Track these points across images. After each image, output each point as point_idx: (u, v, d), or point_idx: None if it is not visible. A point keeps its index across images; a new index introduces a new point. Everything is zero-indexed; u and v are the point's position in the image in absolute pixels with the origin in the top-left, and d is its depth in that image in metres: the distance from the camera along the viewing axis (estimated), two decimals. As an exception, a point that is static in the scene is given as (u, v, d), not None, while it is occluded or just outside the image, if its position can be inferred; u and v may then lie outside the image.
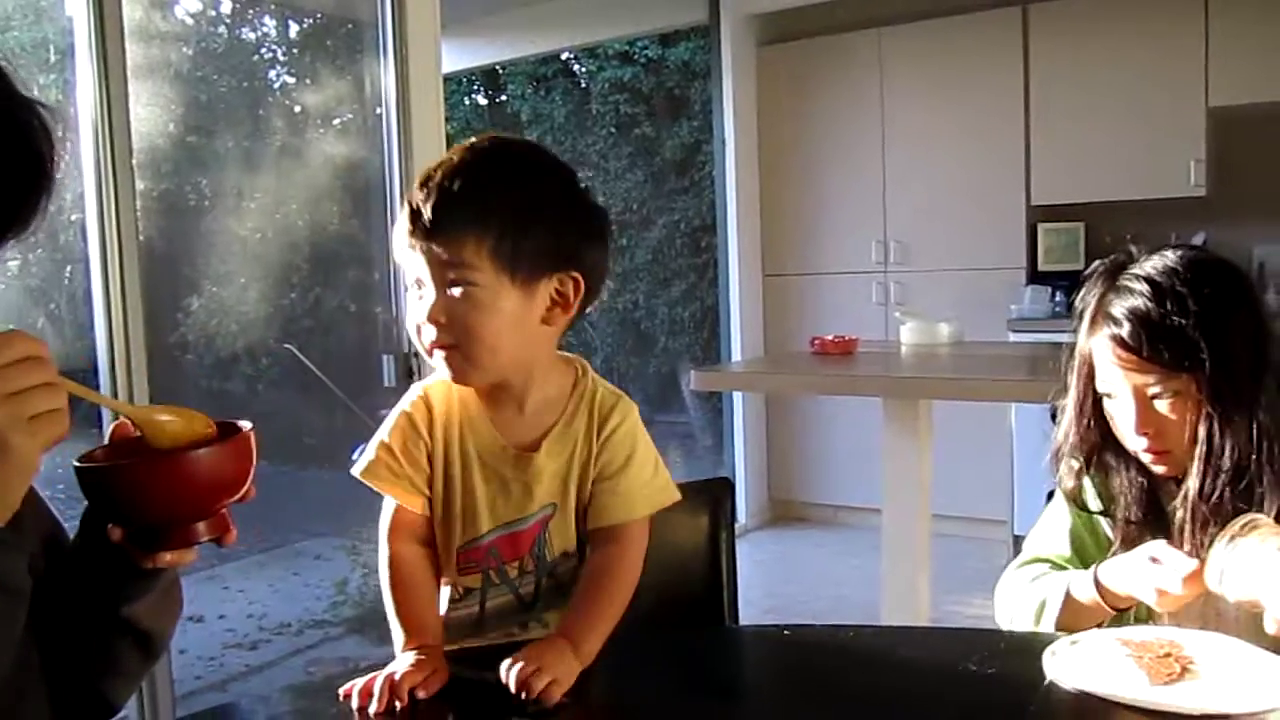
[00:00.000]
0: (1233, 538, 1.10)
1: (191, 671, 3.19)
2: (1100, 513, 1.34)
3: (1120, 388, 1.25)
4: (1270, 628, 1.05)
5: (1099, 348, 1.27)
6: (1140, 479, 1.30)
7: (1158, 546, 1.19)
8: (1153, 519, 1.29)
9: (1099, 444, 1.32)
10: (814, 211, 5.13)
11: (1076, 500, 1.36)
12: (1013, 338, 4.38)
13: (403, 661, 1.10)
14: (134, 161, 2.44)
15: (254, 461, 0.94)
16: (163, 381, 2.67)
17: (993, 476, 4.48)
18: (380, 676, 1.07)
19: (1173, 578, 1.13)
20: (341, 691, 1.07)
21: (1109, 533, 1.33)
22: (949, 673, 1.15)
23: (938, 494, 3.08)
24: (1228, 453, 1.20)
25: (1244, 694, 0.99)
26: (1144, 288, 1.24)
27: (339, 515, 3.74)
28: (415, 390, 1.23)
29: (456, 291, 1.10)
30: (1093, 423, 1.31)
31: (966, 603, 3.71)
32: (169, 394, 2.86)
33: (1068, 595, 1.28)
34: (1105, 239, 4.60)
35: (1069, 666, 1.06)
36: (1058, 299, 4.53)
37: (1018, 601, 1.35)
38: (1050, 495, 1.43)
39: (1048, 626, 1.29)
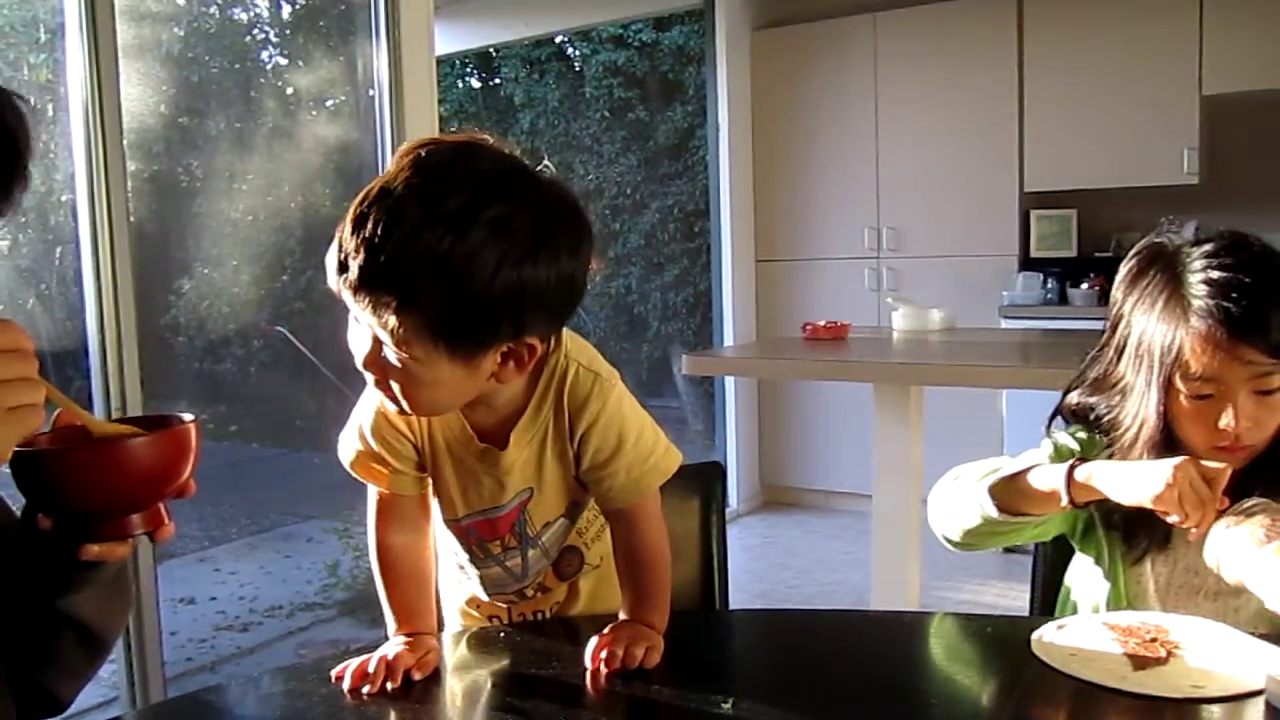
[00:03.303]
0: (1230, 524, 1.07)
1: (182, 653, 3.19)
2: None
3: (1222, 379, 1.15)
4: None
5: (1190, 343, 1.15)
6: None
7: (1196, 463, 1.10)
8: (1159, 529, 1.23)
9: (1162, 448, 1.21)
10: (807, 197, 5.12)
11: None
12: (1004, 324, 4.39)
13: (395, 644, 1.11)
14: (125, 142, 2.42)
15: (193, 455, 0.91)
16: (153, 363, 2.66)
17: (983, 463, 4.49)
18: (374, 658, 1.07)
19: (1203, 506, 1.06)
20: (334, 673, 1.07)
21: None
22: (939, 658, 1.15)
23: (929, 480, 3.08)
24: None
25: (1228, 678, 1.00)
26: (1232, 266, 1.15)
27: (330, 498, 3.74)
28: None
29: (387, 353, 0.99)
30: (1165, 434, 1.20)
31: (956, 588, 3.72)
32: (160, 376, 2.86)
33: (1023, 473, 1.22)
34: (1098, 226, 4.62)
35: (1056, 650, 1.07)
36: (1050, 286, 4.54)
37: (968, 471, 1.31)
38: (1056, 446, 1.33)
39: (982, 490, 1.24)
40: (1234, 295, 1.13)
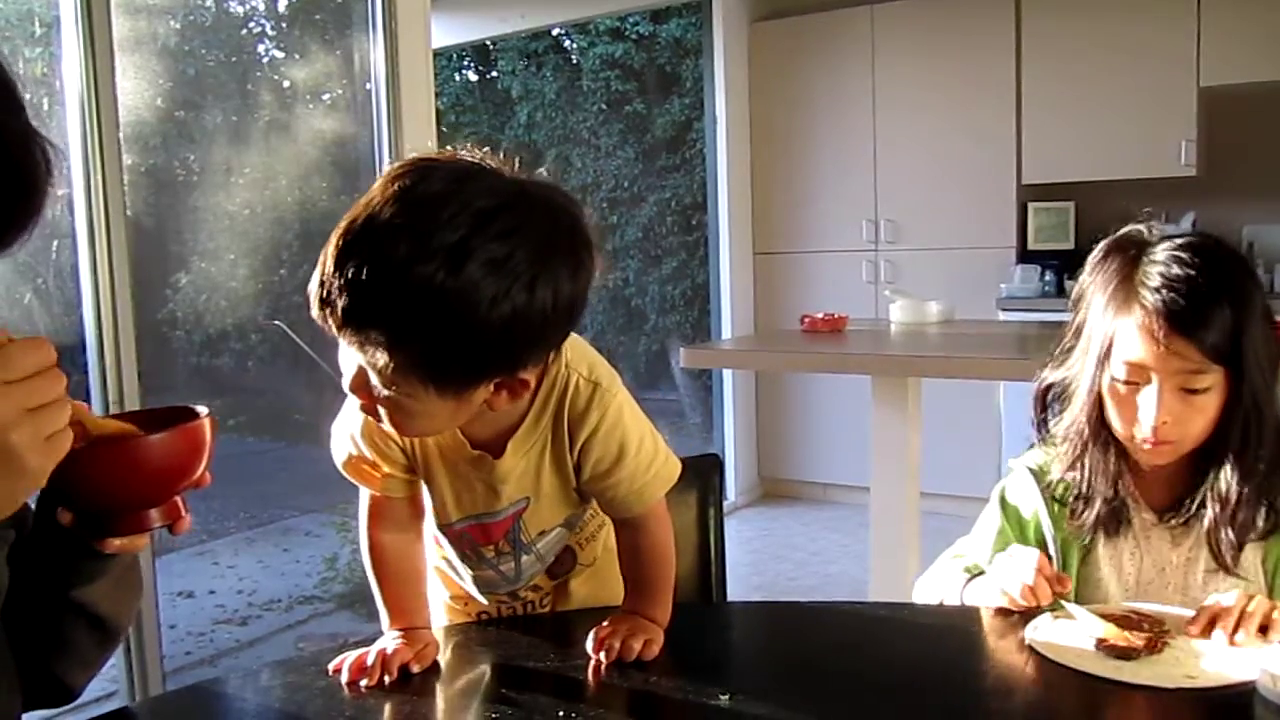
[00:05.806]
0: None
1: (181, 647, 3.20)
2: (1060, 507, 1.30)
3: (1150, 369, 1.16)
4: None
5: (1128, 327, 1.18)
6: (1118, 474, 1.25)
7: (1029, 551, 1.20)
8: (1113, 519, 1.26)
9: (1097, 433, 1.25)
10: (805, 189, 5.12)
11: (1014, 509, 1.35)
12: (1002, 316, 4.39)
13: (392, 638, 1.11)
14: (121, 136, 2.42)
15: (208, 448, 0.91)
16: (151, 358, 2.66)
17: (981, 454, 4.50)
18: (371, 651, 1.07)
19: (1016, 581, 1.16)
20: (331, 666, 1.07)
21: (1048, 536, 1.29)
22: (935, 650, 1.16)
23: (926, 472, 3.09)
24: (1264, 451, 1.18)
25: (1220, 669, 1.00)
26: (1189, 264, 1.16)
27: (329, 491, 3.73)
28: None
29: (374, 384, 0.97)
30: (1100, 409, 1.24)
31: (954, 580, 3.71)
32: (157, 370, 2.86)
33: (968, 586, 1.30)
34: (1096, 219, 4.61)
35: (1051, 642, 1.07)
36: (1047, 278, 4.54)
37: (926, 591, 1.38)
38: (1003, 499, 1.38)
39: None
40: (1182, 290, 1.14)
